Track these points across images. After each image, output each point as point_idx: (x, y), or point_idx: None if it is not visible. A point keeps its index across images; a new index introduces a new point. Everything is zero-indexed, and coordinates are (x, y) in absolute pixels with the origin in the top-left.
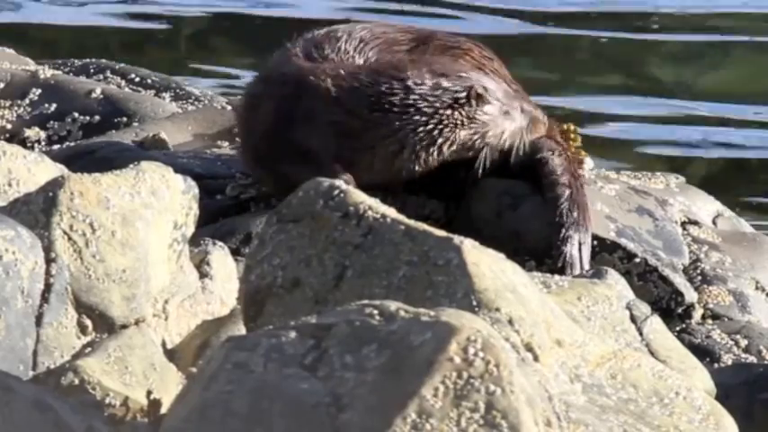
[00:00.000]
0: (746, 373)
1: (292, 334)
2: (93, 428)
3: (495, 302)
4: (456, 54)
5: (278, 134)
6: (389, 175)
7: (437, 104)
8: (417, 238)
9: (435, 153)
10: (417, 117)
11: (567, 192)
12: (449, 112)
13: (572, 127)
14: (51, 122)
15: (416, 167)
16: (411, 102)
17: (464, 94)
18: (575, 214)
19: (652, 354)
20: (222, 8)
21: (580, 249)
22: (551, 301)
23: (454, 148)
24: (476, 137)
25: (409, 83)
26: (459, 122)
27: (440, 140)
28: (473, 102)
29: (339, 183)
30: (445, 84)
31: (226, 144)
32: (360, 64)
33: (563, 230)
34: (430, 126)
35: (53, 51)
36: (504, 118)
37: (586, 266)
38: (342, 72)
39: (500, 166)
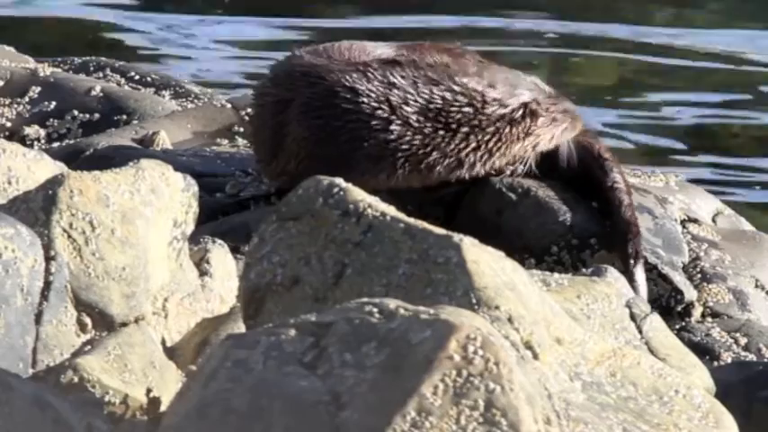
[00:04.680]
0: (746, 371)
1: (292, 332)
2: (92, 426)
3: (494, 300)
4: (453, 54)
5: (314, 146)
6: (430, 182)
7: (498, 124)
8: (417, 235)
9: (488, 167)
10: (481, 136)
11: (628, 199)
12: (507, 129)
13: None
14: (51, 120)
15: (467, 179)
16: (477, 123)
17: (520, 112)
18: (636, 219)
19: (651, 352)
20: None
21: None
22: (551, 299)
23: (506, 160)
24: (528, 148)
25: (475, 101)
26: (515, 138)
27: (496, 155)
28: (527, 119)
29: (339, 181)
30: (505, 101)
31: (225, 142)
32: (399, 63)
33: (631, 230)
34: (491, 144)
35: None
36: (553, 126)
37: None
38: (393, 77)
39: (545, 167)
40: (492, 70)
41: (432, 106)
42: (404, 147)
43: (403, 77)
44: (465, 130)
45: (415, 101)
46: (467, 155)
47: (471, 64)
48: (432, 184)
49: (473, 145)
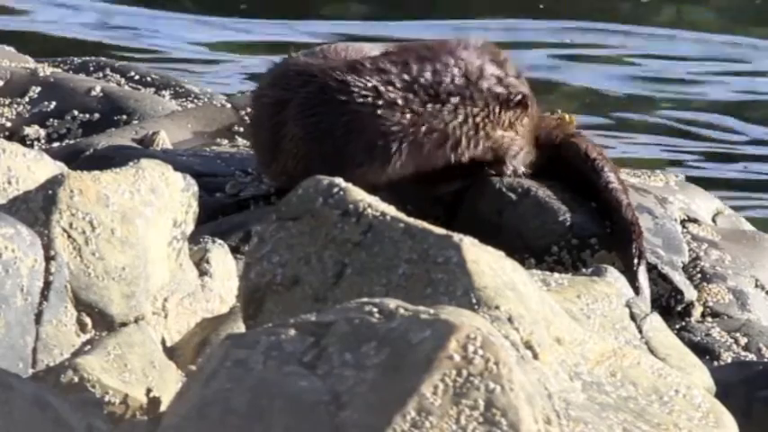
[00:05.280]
0: (746, 370)
1: (292, 332)
2: (92, 426)
3: (494, 300)
4: None
5: (310, 144)
6: (422, 164)
7: (489, 100)
8: (417, 235)
9: (471, 147)
10: (470, 108)
11: (627, 198)
12: (497, 109)
13: (567, 116)
14: (51, 120)
15: (451, 160)
16: (468, 94)
17: (517, 99)
18: (637, 219)
19: (651, 352)
20: None
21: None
22: (551, 299)
23: (488, 145)
24: (506, 141)
25: (470, 74)
26: (501, 122)
27: (481, 133)
28: (518, 110)
29: (338, 180)
30: (506, 81)
31: (225, 142)
32: (393, 52)
33: (634, 230)
34: (478, 119)
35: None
36: (531, 133)
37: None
38: (382, 64)
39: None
40: (499, 53)
41: (422, 80)
42: (394, 128)
43: (393, 62)
44: (454, 100)
45: (402, 79)
46: (453, 129)
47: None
48: (425, 168)
49: (461, 118)
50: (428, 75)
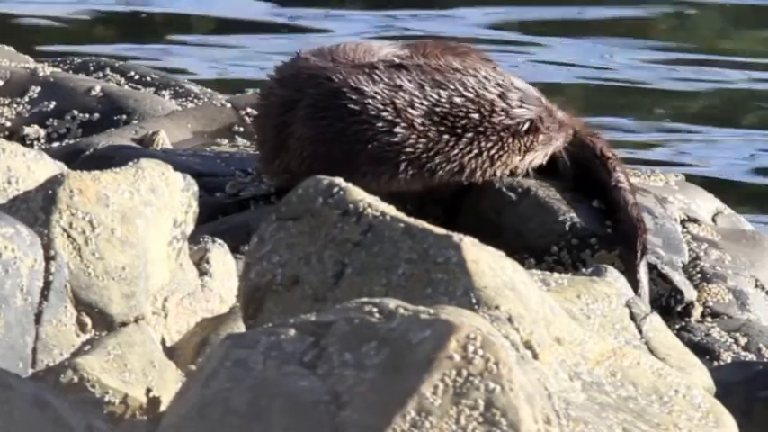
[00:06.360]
0: (746, 370)
1: (292, 332)
2: (92, 426)
3: (494, 300)
4: (458, 53)
5: (317, 145)
6: (431, 186)
7: (503, 134)
8: (417, 235)
9: (488, 175)
10: (484, 143)
11: (633, 198)
12: (510, 140)
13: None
14: (51, 120)
15: (465, 184)
16: (482, 130)
17: (525, 127)
18: (642, 217)
19: (651, 351)
20: None
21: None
22: (551, 299)
23: (505, 171)
24: (526, 162)
25: (483, 109)
26: (516, 150)
27: (497, 164)
28: (530, 135)
29: (338, 180)
30: (513, 113)
31: (225, 142)
32: (406, 66)
33: (640, 226)
34: (492, 152)
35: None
36: (550, 144)
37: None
38: (400, 80)
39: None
40: (502, 78)
41: (438, 110)
42: (407, 149)
43: (410, 80)
44: (470, 135)
45: (421, 104)
46: (469, 161)
47: (479, 65)
48: (433, 188)
49: (476, 151)
50: (445, 105)
